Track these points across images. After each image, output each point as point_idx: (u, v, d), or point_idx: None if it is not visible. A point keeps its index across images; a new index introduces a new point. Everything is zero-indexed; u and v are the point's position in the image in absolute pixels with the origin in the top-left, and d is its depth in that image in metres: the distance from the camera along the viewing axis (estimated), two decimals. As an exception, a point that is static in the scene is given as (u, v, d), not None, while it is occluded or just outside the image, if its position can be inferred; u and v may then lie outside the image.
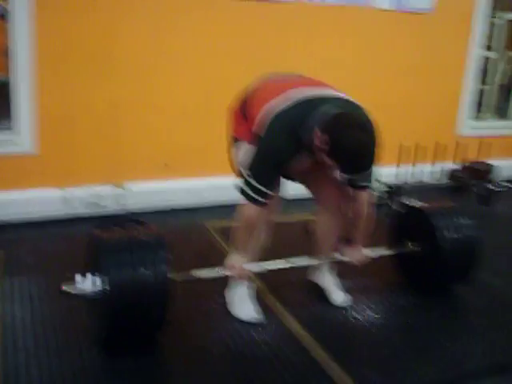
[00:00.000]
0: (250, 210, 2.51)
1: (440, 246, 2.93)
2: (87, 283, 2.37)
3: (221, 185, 3.89)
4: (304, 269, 3.01)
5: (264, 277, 2.95)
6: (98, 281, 2.33)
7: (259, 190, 2.46)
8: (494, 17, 6.73)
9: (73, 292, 2.37)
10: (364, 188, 2.65)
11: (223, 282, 2.83)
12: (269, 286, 3.03)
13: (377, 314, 2.89)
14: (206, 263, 3.20)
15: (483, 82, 6.45)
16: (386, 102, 4.51)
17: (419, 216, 3.09)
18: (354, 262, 2.87)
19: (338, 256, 2.89)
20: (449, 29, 4.86)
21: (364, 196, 2.68)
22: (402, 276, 3.22)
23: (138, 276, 2.30)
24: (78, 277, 2.39)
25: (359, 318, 2.83)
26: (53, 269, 3.11)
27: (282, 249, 2.98)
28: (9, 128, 3.70)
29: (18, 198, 3.69)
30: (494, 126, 5.70)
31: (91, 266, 2.42)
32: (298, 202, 3.48)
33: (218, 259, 3.18)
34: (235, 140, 2.74)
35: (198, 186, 4.16)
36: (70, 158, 3.79)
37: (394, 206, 4.22)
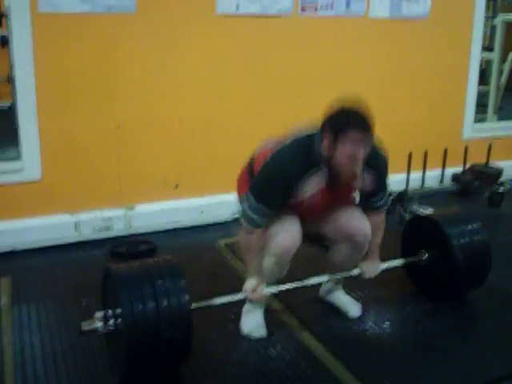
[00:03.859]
0: (255, 232, 2.54)
1: (453, 253, 2.91)
2: (108, 320, 2.32)
3: (229, 201, 3.91)
4: (317, 286, 3.00)
5: (279, 295, 2.93)
6: (119, 317, 2.28)
7: (267, 213, 2.49)
8: (493, 18, 6.77)
9: (93, 330, 2.32)
10: (382, 208, 2.74)
11: (239, 303, 2.81)
12: (284, 304, 3.01)
13: (392, 324, 2.86)
14: (219, 283, 3.22)
15: (486, 83, 6.46)
16: (391, 111, 4.51)
17: (430, 224, 3.08)
18: (369, 275, 2.87)
19: (353, 271, 2.88)
20: (447, 33, 4.84)
21: (382, 214, 2.77)
22: (414, 285, 3.20)
23: (162, 309, 2.24)
24: (97, 314, 2.34)
25: (375, 329, 2.81)
26: (65, 295, 3.12)
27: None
28: (17, 158, 3.70)
29: (26, 226, 3.68)
30: (498, 127, 5.66)
31: (110, 302, 2.38)
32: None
33: (231, 277, 3.21)
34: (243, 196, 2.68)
35: (207, 204, 4.15)
36: (76, 182, 3.78)
37: (404, 214, 4.20)
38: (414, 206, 4.22)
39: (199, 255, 3.65)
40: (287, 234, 2.56)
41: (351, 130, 2.32)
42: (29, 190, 3.68)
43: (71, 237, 3.79)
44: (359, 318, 2.90)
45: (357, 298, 3.02)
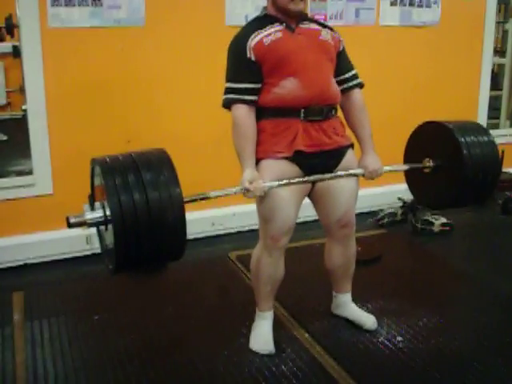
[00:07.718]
0: (238, 109, 2.51)
1: (464, 162, 2.74)
2: (97, 212, 2.18)
3: (243, 212, 3.97)
4: (330, 296, 2.99)
5: (290, 307, 2.91)
6: (107, 208, 2.09)
7: (242, 88, 2.49)
8: (505, 22, 6.72)
9: (83, 222, 2.18)
10: (356, 82, 2.72)
11: (250, 317, 2.81)
12: (295, 318, 2.99)
13: (405, 339, 2.82)
14: (229, 295, 3.22)
15: (498, 88, 6.41)
16: (401, 118, 4.47)
17: (441, 133, 2.92)
18: (372, 167, 2.65)
19: (356, 171, 2.64)
20: (458, 39, 4.82)
21: (359, 92, 2.72)
22: (413, 195, 3.08)
23: (152, 200, 2.06)
24: (85, 207, 2.22)
25: (388, 344, 2.78)
26: (77, 310, 3.13)
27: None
28: (30, 173, 3.73)
29: (39, 240, 3.71)
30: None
31: (99, 194, 2.25)
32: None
33: (241, 291, 3.20)
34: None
35: (219, 216, 4.15)
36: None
37: (416, 224, 4.18)
38: (426, 216, 4.19)
39: (210, 267, 3.66)
40: (280, 223, 2.54)
41: None
42: (41, 205, 3.70)
43: (83, 250, 3.80)
44: (371, 332, 2.86)
45: (369, 312, 2.99)
